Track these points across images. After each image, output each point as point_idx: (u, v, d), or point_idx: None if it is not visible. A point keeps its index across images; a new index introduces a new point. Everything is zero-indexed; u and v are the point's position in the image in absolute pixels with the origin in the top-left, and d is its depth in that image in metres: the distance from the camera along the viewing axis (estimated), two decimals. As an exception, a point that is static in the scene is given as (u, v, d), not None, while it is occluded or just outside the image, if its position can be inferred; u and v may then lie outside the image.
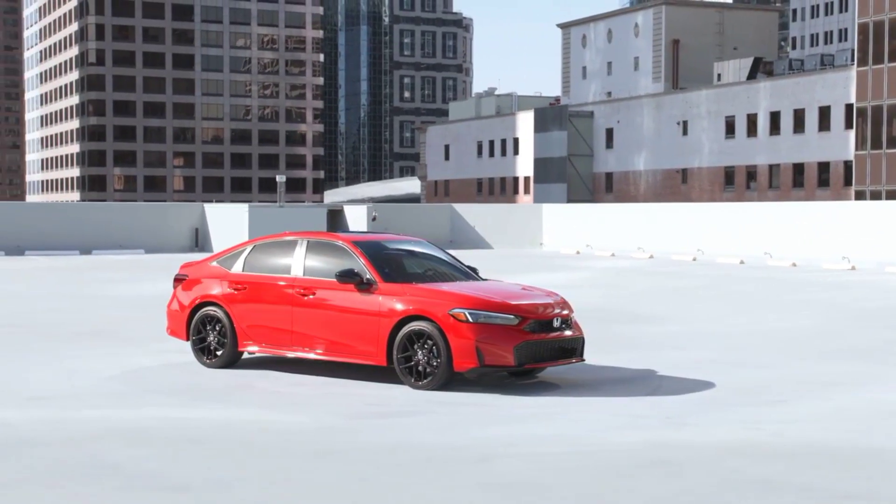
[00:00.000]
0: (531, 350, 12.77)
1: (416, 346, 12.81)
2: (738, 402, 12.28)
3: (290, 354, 13.92)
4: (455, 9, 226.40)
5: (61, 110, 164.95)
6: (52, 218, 46.56)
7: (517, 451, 9.75)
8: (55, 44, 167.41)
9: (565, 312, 13.33)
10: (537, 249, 49.88)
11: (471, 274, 14.39)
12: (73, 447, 9.68)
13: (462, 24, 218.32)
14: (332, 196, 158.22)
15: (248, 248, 14.61)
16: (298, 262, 13.91)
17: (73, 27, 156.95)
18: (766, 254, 39.36)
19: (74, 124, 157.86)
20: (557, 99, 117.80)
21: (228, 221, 45.43)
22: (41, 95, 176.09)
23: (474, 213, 51.71)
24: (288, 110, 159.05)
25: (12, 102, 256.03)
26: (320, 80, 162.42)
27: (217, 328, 14.33)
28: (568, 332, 13.25)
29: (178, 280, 14.97)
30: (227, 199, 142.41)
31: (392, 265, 13.72)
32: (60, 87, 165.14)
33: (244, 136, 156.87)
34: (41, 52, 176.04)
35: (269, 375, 13.91)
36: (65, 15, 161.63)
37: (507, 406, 11.99)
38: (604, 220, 48.79)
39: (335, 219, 47.21)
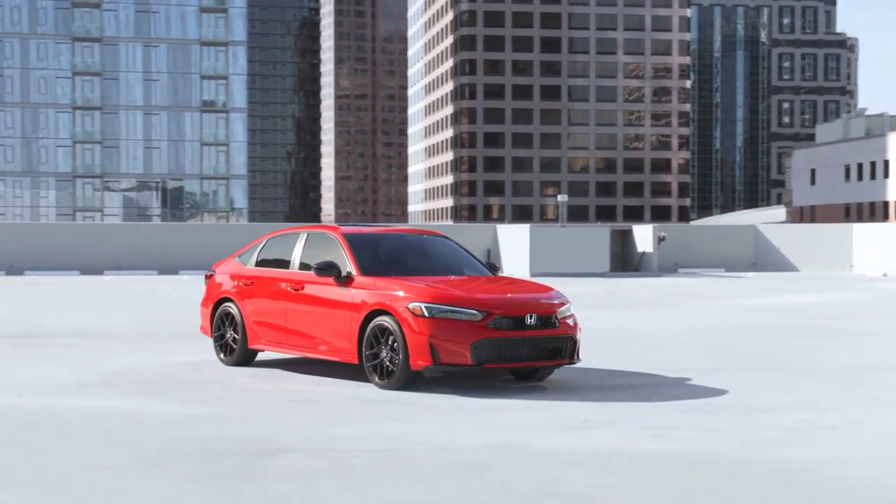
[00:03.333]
0: (493, 348, 11.47)
1: (381, 343, 11.89)
2: (704, 410, 10.66)
3: (288, 353, 13.32)
4: (838, 29, 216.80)
5: (438, 143, 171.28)
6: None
7: (327, 447, 8.80)
8: (434, 80, 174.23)
9: (549, 310, 11.91)
10: (846, 272, 46.40)
11: (483, 270, 13.22)
12: None
13: (846, 45, 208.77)
14: (701, 223, 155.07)
15: (263, 243, 14.13)
16: (296, 257, 13.30)
17: (449, 63, 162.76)
18: None
19: (449, 156, 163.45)
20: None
21: (514, 242, 45.18)
22: (424, 129, 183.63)
23: (780, 235, 48.78)
24: (654, 138, 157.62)
25: (404, 138, 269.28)
26: (686, 107, 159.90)
27: (233, 325, 13.94)
28: (548, 331, 11.84)
29: (207, 277, 14.69)
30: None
31: (379, 258, 12.78)
32: (438, 122, 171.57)
33: (609, 165, 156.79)
34: (423, 87, 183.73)
35: (258, 373, 13.31)
36: (442, 52, 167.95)
37: (429, 406, 10.88)
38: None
39: (623, 240, 45.86)
